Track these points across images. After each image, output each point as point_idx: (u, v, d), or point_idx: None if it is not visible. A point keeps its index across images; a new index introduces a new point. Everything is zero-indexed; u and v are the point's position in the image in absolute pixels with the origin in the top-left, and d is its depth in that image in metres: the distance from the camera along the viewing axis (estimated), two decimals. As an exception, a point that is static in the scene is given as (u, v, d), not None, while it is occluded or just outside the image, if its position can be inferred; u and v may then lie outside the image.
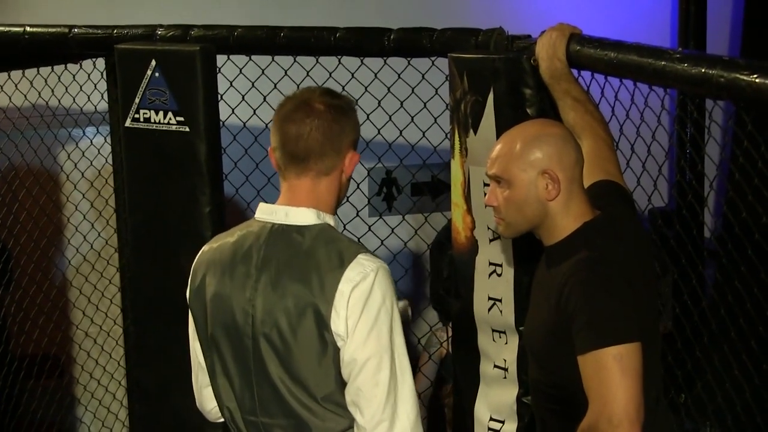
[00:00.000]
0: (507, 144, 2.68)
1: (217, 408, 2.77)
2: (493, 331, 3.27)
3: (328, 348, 2.52)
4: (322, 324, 2.51)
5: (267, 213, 2.65)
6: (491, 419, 3.31)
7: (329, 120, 2.58)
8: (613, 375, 2.44)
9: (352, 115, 2.64)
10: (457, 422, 3.56)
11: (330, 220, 2.63)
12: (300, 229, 2.59)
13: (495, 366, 3.29)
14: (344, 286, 2.50)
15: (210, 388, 2.76)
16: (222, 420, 2.79)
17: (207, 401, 2.81)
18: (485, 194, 2.99)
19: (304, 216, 2.60)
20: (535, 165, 2.63)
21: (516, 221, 2.69)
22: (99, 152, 4.90)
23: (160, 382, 3.93)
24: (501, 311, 3.23)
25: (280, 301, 2.55)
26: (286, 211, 2.61)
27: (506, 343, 3.24)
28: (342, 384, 2.54)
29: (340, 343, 2.51)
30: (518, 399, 3.21)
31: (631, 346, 2.46)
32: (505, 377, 3.26)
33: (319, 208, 2.60)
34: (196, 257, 2.75)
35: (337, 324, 2.51)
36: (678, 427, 3.56)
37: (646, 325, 2.57)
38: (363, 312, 2.50)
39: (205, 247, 2.75)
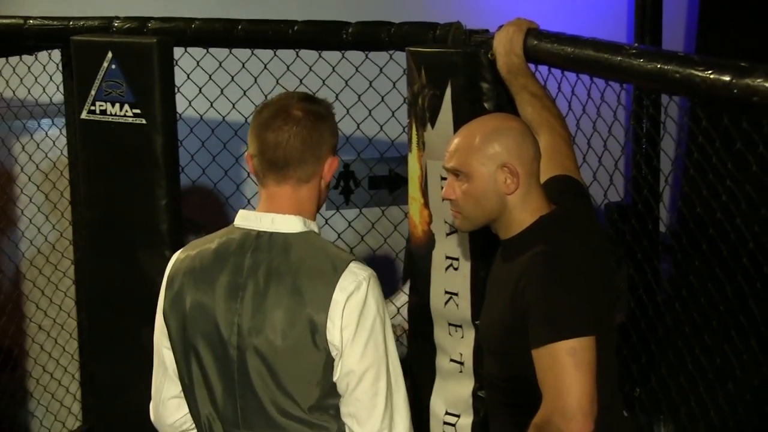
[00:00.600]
0: (466, 137, 2.68)
1: (182, 420, 2.70)
2: (450, 325, 3.28)
3: (319, 357, 2.48)
4: (316, 333, 2.47)
5: (249, 220, 2.59)
6: (447, 413, 3.32)
7: (308, 127, 2.53)
8: (567, 369, 2.44)
9: (330, 121, 2.59)
10: (412, 416, 3.55)
11: (314, 227, 2.59)
12: (287, 237, 2.54)
13: (451, 360, 3.29)
14: (339, 295, 2.47)
15: (175, 400, 2.68)
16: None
17: (170, 413, 2.71)
18: (442, 188, 3.00)
19: (290, 223, 2.55)
20: (495, 158, 2.63)
21: (474, 215, 2.70)
22: (54, 144, 4.86)
23: (114, 376, 3.91)
24: (458, 305, 3.24)
25: (269, 311, 2.50)
26: (272, 219, 2.56)
27: (462, 337, 3.24)
28: (329, 392, 2.51)
29: (334, 353, 2.48)
30: (474, 393, 3.22)
31: (585, 340, 2.47)
32: (461, 371, 3.26)
33: (303, 215, 2.56)
34: (170, 264, 2.67)
35: (333, 333, 2.47)
36: (632, 421, 3.59)
37: (600, 319, 2.58)
38: (359, 322, 2.47)
39: (179, 254, 2.67)
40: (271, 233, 2.55)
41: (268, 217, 2.56)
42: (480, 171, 2.64)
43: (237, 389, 2.56)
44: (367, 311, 2.48)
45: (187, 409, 2.68)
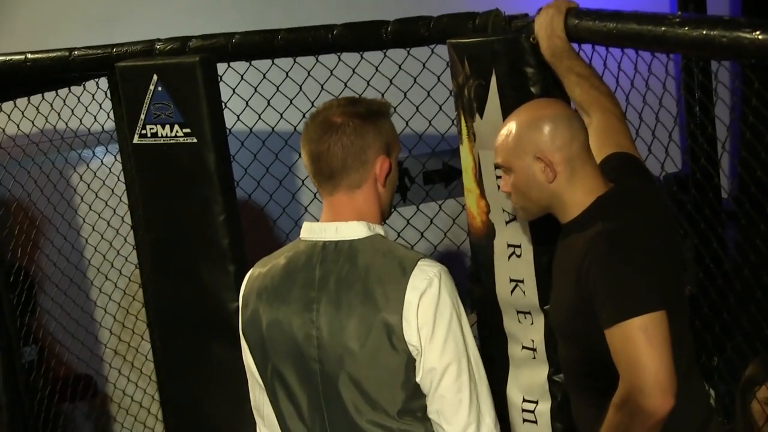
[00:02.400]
0: (504, 133, 2.72)
1: None
2: (518, 312, 3.27)
3: (400, 359, 2.48)
4: (394, 336, 2.47)
5: (314, 232, 2.61)
6: (524, 400, 3.31)
7: (348, 133, 2.53)
8: (640, 346, 2.44)
9: (376, 121, 2.56)
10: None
11: (380, 230, 2.58)
12: (353, 243, 2.54)
13: (523, 347, 3.28)
14: (411, 296, 2.46)
15: None
16: None
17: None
18: (497, 177, 3.00)
19: (354, 230, 2.55)
20: (528, 151, 2.67)
21: (527, 205, 2.74)
22: (110, 171, 4.92)
23: (192, 394, 3.94)
24: (524, 292, 3.23)
25: (345, 320, 2.50)
26: (336, 227, 2.56)
27: (532, 323, 3.23)
28: (414, 393, 2.50)
29: (414, 353, 2.48)
30: (549, 378, 3.21)
31: (656, 315, 2.45)
32: (534, 357, 3.25)
33: (366, 220, 2.56)
34: (244, 283, 2.69)
35: (410, 334, 2.47)
36: (713, 391, 3.55)
37: (670, 292, 2.56)
38: (436, 319, 2.47)
39: (252, 272, 2.69)
40: (337, 242, 2.56)
41: (332, 226, 2.57)
42: (518, 165, 2.69)
43: (323, 402, 2.57)
44: (442, 307, 2.48)
45: None
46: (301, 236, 2.63)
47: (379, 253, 2.52)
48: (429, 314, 2.47)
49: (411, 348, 2.48)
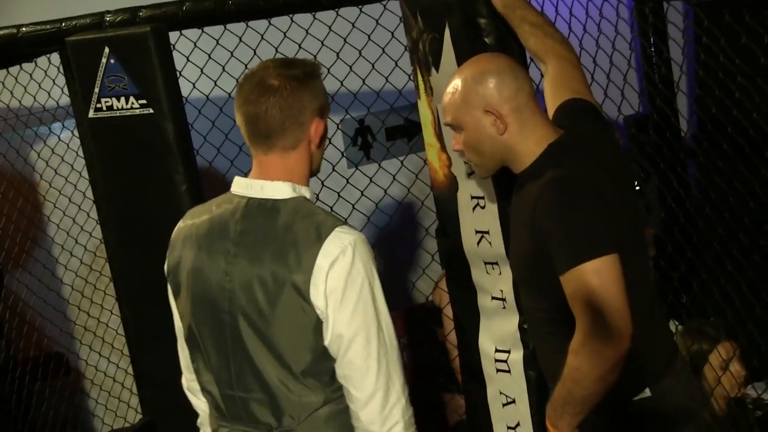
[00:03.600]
0: (450, 91, 2.73)
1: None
2: (486, 263, 3.28)
3: (308, 321, 2.52)
4: (302, 297, 2.51)
5: (243, 187, 2.64)
6: (497, 350, 3.32)
7: (285, 95, 2.55)
8: (594, 290, 2.45)
9: (312, 83, 2.59)
10: (464, 359, 3.57)
11: (306, 192, 2.62)
12: (276, 203, 2.59)
13: (492, 298, 3.29)
14: (322, 261, 2.50)
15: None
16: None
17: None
18: (456, 130, 2.99)
19: (279, 190, 2.59)
20: (477, 105, 2.68)
21: (481, 161, 2.75)
22: (69, 147, 4.88)
23: (165, 364, 3.90)
24: (490, 243, 3.23)
25: (258, 276, 2.55)
26: (262, 185, 2.61)
27: (500, 273, 3.24)
28: (321, 356, 2.55)
29: (321, 316, 2.52)
30: (520, 326, 3.22)
31: (608, 258, 2.46)
32: (504, 307, 3.26)
33: (294, 181, 2.60)
34: (175, 230, 2.77)
35: (317, 297, 2.51)
36: (682, 327, 3.59)
37: (624, 235, 2.58)
38: (347, 286, 2.51)
39: (180, 222, 2.76)
40: (261, 199, 2.60)
41: (258, 183, 2.61)
42: (468, 121, 2.69)
43: (230, 352, 2.63)
44: (354, 274, 2.51)
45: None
46: (231, 189, 2.67)
47: (299, 215, 2.56)
48: (339, 281, 2.50)
49: (318, 311, 2.51)
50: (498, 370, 3.32)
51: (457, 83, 2.72)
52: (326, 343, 2.53)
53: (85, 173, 4.61)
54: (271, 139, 2.57)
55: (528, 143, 2.68)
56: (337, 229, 2.53)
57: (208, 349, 2.68)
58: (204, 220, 2.68)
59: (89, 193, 4.62)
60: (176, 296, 2.75)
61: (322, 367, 2.56)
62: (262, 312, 2.55)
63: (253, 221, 2.59)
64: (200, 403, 2.88)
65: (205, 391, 2.75)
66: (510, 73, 2.68)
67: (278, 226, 2.56)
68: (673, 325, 3.73)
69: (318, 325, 2.52)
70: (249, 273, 2.56)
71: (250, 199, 2.61)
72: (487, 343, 3.36)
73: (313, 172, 2.67)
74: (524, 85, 2.69)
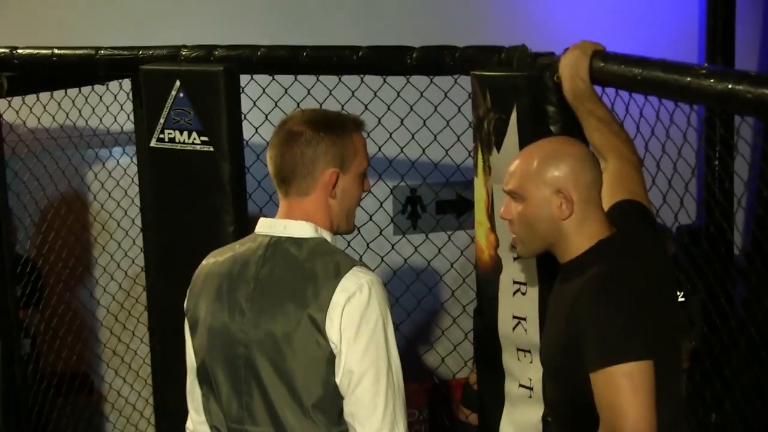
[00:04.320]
0: (524, 160, 2.69)
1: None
2: (518, 350, 3.25)
3: (322, 354, 2.56)
4: (318, 330, 2.55)
5: (266, 227, 2.72)
6: (517, 439, 3.29)
7: (300, 142, 2.64)
8: (623, 393, 2.42)
9: (334, 133, 2.66)
10: (482, 443, 3.54)
11: (327, 236, 2.68)
12: (297, 241, 2.65)
13: (520, 385, 3.27)
14: (339, 297, 2.55)
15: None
16: None
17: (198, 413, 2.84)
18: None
19: (301, 229, 2.66)
20: (550, 183, 2.63)
21: (529, 239, 2.70)
22: (125, 172, 4.93)
23: (186, 400, 3.92)
24: (526, 330, 3.21)
25: (276, 311, 2.60)
26: (285, 224, 2.68)
27: (531, 362, 3.21)
28: (332, 393, 2.57)
29: (335, 351, 2.55)
30: (544, 418, 3.18)
31: (642, 364, 2.44)
32: (530, 396, 3.23)
33: (315, 223, 2.66)
34: (197, 270, 2.82)
35: (331, 331, 2.55)
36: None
37: (660, 342, 2.54)
38: (361, 324, 2.55)
39: (204, 261, 2.82)
40: (283, 237, 2.67)
41: (282, 223, 2.69)
42: (535, 195, 2.65)
43: (243, 385, 2.66)
44: (369, 313, 2.56)
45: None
46: (256, 230, 2.74)
47: (318, 253, 2.62)
48: (354, 317, 2.54)
49: (332, 345, 2.55)
50: (515, 459, 3.29)
51: (533, 155, 2.68)
52: (338, 379, 2.56)
53: (137, 200, 4.65)
54: (287, 184, 2.68)
55: (581, 236, 2.65)
56: (355, 267, 2.59)
57: (219, 384, 2.70)
58: (227, 258, 2.74)
59: (138, 221, 4.65)
60: (193, 332, 2.77)
61: (331, 403, 2.58)
62: (277, 344, 2.59)
63: (275, 259, 2.65)
64: None
65: (212, 427, 2.76)
66: (590, 163, 2.67)
67: (298, 263, 2.61)
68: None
69: (331, 359, 2.55)
70: (268, 308, 2.61)
71: (272, 237, 2.68)
72: (507, 430, 3.32)
73: (336, 223, 2.71)
74: (598, 179, 2.67)
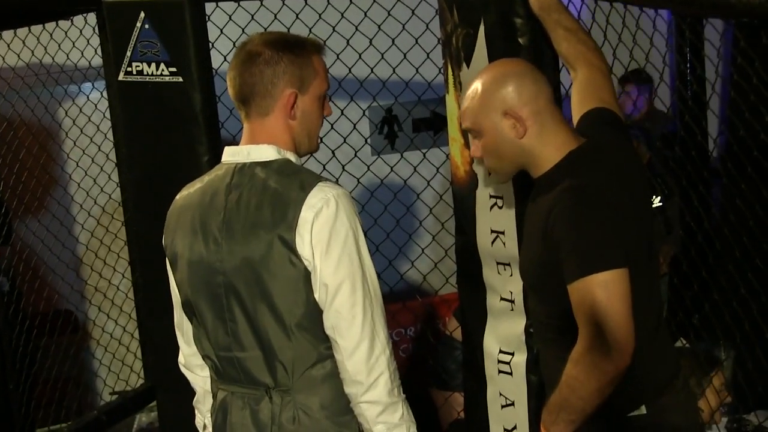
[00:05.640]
0: (469, 96, 2.72)
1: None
2: (498, 263, 3.28)
3: (297, 273, 2.59)
4: (289, 249, 2.58)
5: (231, 154, 2.72)
6: (500, 351, 3.32)
7: (259, 63, 2.63)
8: (599, 302, 2.44)
9: (292, 54, 2.65)
10: (467, 356, 3.57)
11: (291, 156, 2.69)
12: (261, 165, 2.66)
13: (501, 299, 3.29)
14: (306, 213, 2.57)
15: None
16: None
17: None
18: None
19: (264, 152, 2.67)
20: (496, 109, 2.66)
21: (500, 166, 2.74)
22: (96, 107, 4.89)
23: (172, 333, 3.94)
24: (504, 243, 3.23)
25: (248, 236, 2.62)
26: (248, 150, 2.68)
27: (511, 275, 3.24)
28: (313, 310, 2.61)
29: (309, 267, 2.58)
30: (526, 330, 3.22)
31: (617, 272, 2.46)
32: (512, 309, 3.26)
33: (278, 145, 2.67)
34: (171, 205, 2.83)
35: (302, 248, 2.57)
36: (691, 347, 3.58)
37: (635, 250, 2.57)
38: (331, 237, 2.57)
39: (180, 193, 2.82)
40: (247, 163, 2.68)
41: (245, 149, 2.70)
42: (487, 125, 2.68)
43: (226, 313, 2.68)
44: (338, 225, 2.58)
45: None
46: (222, 159, 2.75)
47: (283, 174, 2.64)
48: (324, 232, 2.57)
49: (306, 262, 2.58)
50: (500, 371, 3.32)
51: (476, 88, 2.71)
52: (316, 295, 2.59)
53: (110, 135, 4.63)
54: (247, 104, 2.67)
55: (548, 148, 2.67)
56: (320, 183, 2.61)
57: (204, 314, 2.72)
58: (197, 189, 2.76)
59: (112, 155, 4.63)
60: (173, 267, 2.79)
61: (315, 321, 2.61)
62: (254, 269, 2.61)
63: (242, 185, 2.66)
64: (197, 380, 2.92)
65: (204, 357, 2.79)
66: (530, 76, 2.68)
67: (264, 186, 2.63)
68: (680, 344, 3.71)
69: (307, 276, 2.58)
70: (240, 234, 2.63)
71: (237, 164, 2.69)
72: (491, 343, 3.36)
73: (299, 143, 2.71)
74: (544, 88, 2.68)
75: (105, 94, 4.55)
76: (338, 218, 2.58)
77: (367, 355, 2.59)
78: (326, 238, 2.57)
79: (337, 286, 2.57)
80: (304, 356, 2.64)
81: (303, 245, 2.57)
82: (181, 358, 2.93)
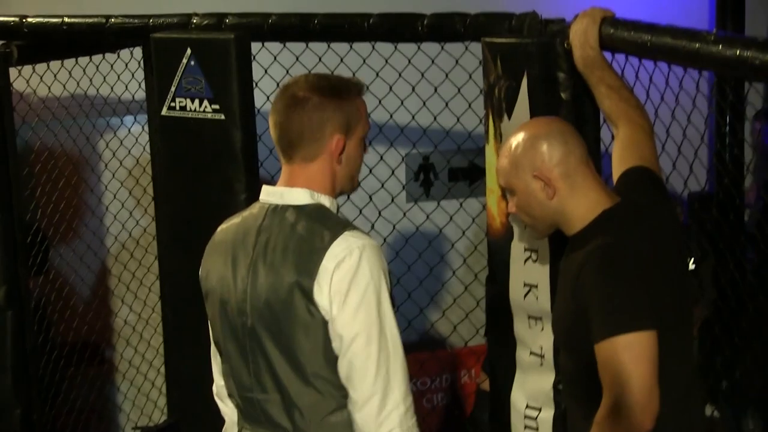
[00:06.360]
0: (503, 155, 2.74)
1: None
2: (529, 317, 3.26)
3: (315, 321, 2.57)
4: (307, 299, 2.57)
5: (267, 194, 2.73)
6: (528, 407, 3.30)
7: (307, 108, 2.63)
8: (624, 364, 2.43)
9: (339, 98, 2.66)
10: (494, 410, 3.55)
11: (326, 201, 2.68)
12: (294, 209, 2.66)
13: (531, 353, 3.27)
14: (328, 263, 2.56)
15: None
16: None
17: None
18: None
19: (298, 196, 2.67)
20: (525, 170, 2.68)
21: (535, 224, 2.76)
22: (137, 141, 4.94)
23: (197, 371, 3.92)
24: (537, 297, 3.22)
25: (271, 280, 2.62)
26: (282, 192, 2.70)
27: (542, 329, 3.22)
28: (331, 359, 2.59)
29: (327, 317, 2.57)
30: (555, 386, 3.20)
31: (644, 335, 2.44)
32: (541, 364, 3.24)
33: (313, 189, 2.67)
34: (211, 239, 2.85)
35: (321, 297, 2.56)
36: (719, 414, 3.54)
37: (667, 312, 2.55)
38: (350, 288, 2.55)
39: (218, 228, 2.84)
40: (280, 205, 2.68)
41: (279, 191, 2.70)
42: (518, 186, 2.71)
43: (249, 355, 2.69)
44: (359, 277, 2.55)
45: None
46: (260, 198, 2.76)
47: (313, 220, 2.63)
48: (343, 283, 2.55)
49: (323, 312, 2.57)
50: (526, 427, 3.30)
51: (509, 147, 2.73)
52: (333, 345, 2.58)
53: (149, 169, 4.66)
54: (292, 149, 2.67)
55: (579, 208, 2.67)
56: (347, 232, 2.60)
57: (230, 353, 2.73)
58: (232, 225, 2.78)
59: (150, 189, 4.66)
60: (207, 301, 2.81)
61: (333, 369, 2.60)
62: (275, 314, 2.61)
63: (272, 227, 2.67)
64: (227, 410, 2.91)
65: (230, 395, 2.81)
66: (560, 137, 2.68)
67: (292, 230, 2.63)
68: (709, 410, 3.67)
69: (325, 325, 2.57)
70: (264, 276, 2.64)
71: (271, 205, 2.70)
72: (519, 398, 3.33)
73: (340, 186, 2.72)
74: (575, 149, 2.68)
75: (146, 127, 4.58)
76: (360, 269, 2.56)
77: (378, 410, 2.56)
78: (345, 288, 2.55)
79: (352, 338, 2.56)
80: (322, 403, 2.63)
81: (321, 295, 2.56)
82: (214, 388, 2.94)
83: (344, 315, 2.55)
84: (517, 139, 2.72)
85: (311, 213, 2.64)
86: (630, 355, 2.43)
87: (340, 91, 2.67)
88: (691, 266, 4.70)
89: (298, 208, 2.65)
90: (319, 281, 2.56)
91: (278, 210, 2.67)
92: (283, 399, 2.65)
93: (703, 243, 4.58)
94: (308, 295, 2.57)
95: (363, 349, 2.55)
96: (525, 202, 2.71)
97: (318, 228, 2.61)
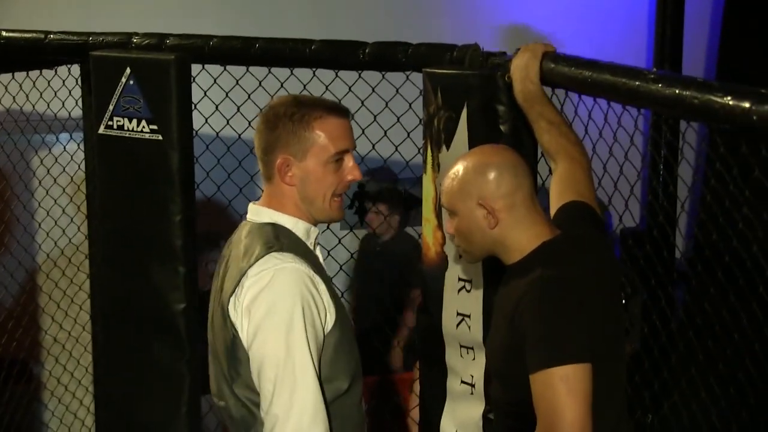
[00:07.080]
0: (450, 176, 2.72)
1: None
2: (461, 347, 3.27)
3: (231, 338, 2.63)
4: (224, 315, 2.64)
5: (248, 210, 2.79)
6: (457, 435, 3.31)
7: (263, 129, 2.70)
8: (559, 395, 2.43)
9: (290, 121, 2.66)
10: (424, 438, 3.55)
11: (286, 221, 2.70)
12: (252, 226, 2.72)
13: (462, 382, 3.28)
14: (246, 281, 2.60)
15: None
16: None
17: None
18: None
19: (257, 214, 2.73)
20: (471, 195, 2.66)
21: (469, 249, 2.74)
22: (72, 158, 4.88)
23: (126, 390, 3.90)
24: (469, 327, 3.23)
25: (218, 293, 2.70)
26: (250, 209, 2.76)
27: (474, 359, 3.23)
28: (247, 375, 2.63)
29: (239, 335, 2.61)
30: (484, 415, 3.20)
31: (580, 367, 2.45)
32: (471, 393, 3.25)
33: (273, 208, 2.71)
34: None
35: (234, 316, 2.61)
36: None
37: (601, 345, 2.56)
38: (257, 309, 2.57)
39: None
40: (248, 222, 2.74)
41: (254, 208, 2.76)
42: (461, 209, 2.68)
43: (211, 363, 2.76)
44: (267, 299, 2.57)
45: None
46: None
47: (254, 238, 2.67)
48: (253, 302, 2.57)
49: (236, 330, 2.61)
50: (455, 455, 3.30)
51: (458, 169, 2.71)
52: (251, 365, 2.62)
53: (83, 187, 4.61)
54: (260, 167, 2.73)
55: (520, 239, 2.67)
56: (273, 254, 2.60)
57: (208, 362, 2.80)
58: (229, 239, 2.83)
59: (83, 208, 4.61)
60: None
61: (254, 388, 2.62)
62: (213, 328, 2.71)
63: (232, 243, 2.76)
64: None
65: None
66: (511, 170, 2.67)
67: (238, 247, 2.70)
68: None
69: (238, 343, 2.61)
70: (218, 291, 2.71)
71: (246, 222, 2.75)
72: (448, 426, 3.34)
73: (311, 212, 2.72)
74: (524, 182, 2.68)
75: (82, 145, 4.54)
76: (268, 291, 2.57)
77: None
78: (253, 309, 2.57)
79: (258, 360, 2.58)
80: (249, 418, 2.65)
81: (234, 313, 2.60)
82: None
83: (250, 336, 2.58)
84: (468, 162, 2.71)
85: (258, 231, 2.68)
86: (566, 387, 2.44)
87: (298, 111, 2.67)
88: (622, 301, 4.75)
89: (256, 226, 2.70)
90: (235, 299, 2.61)
91: (243, 227, 2.74)
92: (233, 407, 2.69)
93: (633, 278, 4.62)
94: (224, 313, 2.62)
95: (267, 372, 2.56)
96: (465, 227, 2.69)
97: (252, 247, 2.64)
